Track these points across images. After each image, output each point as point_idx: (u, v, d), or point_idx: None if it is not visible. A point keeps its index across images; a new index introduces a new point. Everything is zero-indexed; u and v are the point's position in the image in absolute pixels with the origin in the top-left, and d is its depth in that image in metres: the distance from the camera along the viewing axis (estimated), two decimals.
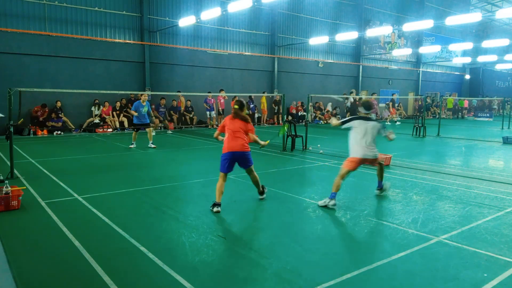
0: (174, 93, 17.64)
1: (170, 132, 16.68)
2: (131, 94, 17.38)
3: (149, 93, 15.32)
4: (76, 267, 3.61)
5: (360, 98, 26.67)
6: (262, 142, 5.83)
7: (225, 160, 5.54)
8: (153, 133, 13.92)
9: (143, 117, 11.44)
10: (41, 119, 15.23)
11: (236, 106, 5.67)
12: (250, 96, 20.22)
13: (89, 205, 5.54)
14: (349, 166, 5.73)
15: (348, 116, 24.95)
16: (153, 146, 11.58)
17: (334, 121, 6.23)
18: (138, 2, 18.07)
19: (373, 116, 5.96)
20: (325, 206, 5.52)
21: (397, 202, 5.96)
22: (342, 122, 6.03)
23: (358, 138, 5.75)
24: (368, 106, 5.99)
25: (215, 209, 5.28)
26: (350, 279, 3.41)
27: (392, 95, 25.66)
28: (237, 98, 6.08)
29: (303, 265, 3.69)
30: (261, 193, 5.96)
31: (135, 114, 11.31)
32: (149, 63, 18.38)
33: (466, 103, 33.00)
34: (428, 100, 29.95)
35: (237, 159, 5.56)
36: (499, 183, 7.28)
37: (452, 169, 8.79)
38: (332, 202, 5.51)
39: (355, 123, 5.84)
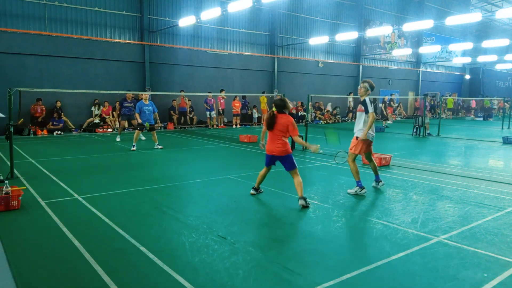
0: (174, 93, 17.64)
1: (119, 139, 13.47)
2: (131, 94, 17.37)
3: (149, 92, 15.33)
4: (76, 267, 3.61)
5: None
6: (313, 146, 5.74)
7: (267, 157, 5.94)
8: (143, 138, 13.35)
9: (147, 118, 11.09)
10: (40, 119, 15.24)
11: (273, 109, 5.79)
12: (244, 96, 20.35)
13: (89, 205, 5.54)
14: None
15: (349, 116, 25.05)
16: (160, 147, 11.44)
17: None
18: (138, 2, 18.07)
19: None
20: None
21: (397, 202, 5.96)
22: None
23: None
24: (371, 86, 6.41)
25: (251, 191, 6.20)
26: (350, 279, 3.40)
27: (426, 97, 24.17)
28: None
29: (303, 265, 3.69)
30: (303, 199, 5.57)
31: (140, 120, 10.99)
32: (149, 63, 18.39)
33: (473, 103, 32.94)
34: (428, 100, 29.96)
35: (278, 160, 5.84)
36: (499, 183, 7.28)
37: (452, 169, 8.79)
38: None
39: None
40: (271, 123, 5.72)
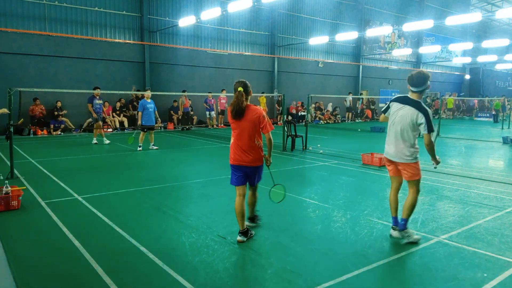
0: (174, 93, 17.64)
1: (106, 140, 12.81)
2: (132, 94, 17.38)
3: (150, 93, 15.31)
4: (76, 267, 3.61)
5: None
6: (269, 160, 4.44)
7: (234, 173, 4.30)
8: (95, 140, 12.51)
9: (150, 117, 10.80)
10: (42, 119, 15.24)
11: (240, 89, 4.08)
12: None
13: (89, 205, 5.54)
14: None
15: (349, 116, 25.05)
16: (155, 147, 11.26)
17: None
18: (138, 2, 18.07)
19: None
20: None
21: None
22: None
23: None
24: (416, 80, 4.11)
25: (238, 237, 4.20)
26: (350, 279, 3.40)
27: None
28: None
29: (303, 265, 3.69)
30: (253, 219, 4.73)
31: (140, 120, 10.72)
32: (149, 63, 18.39)
33: (476, 103, 32.88)
34: (428, 100, 29.96)
35: (247, 174, 4.30)
36: (499, 183, 7.28)
37: (452, 169, 8.79)
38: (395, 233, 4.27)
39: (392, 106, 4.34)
40: (239, 106, 4.07)
